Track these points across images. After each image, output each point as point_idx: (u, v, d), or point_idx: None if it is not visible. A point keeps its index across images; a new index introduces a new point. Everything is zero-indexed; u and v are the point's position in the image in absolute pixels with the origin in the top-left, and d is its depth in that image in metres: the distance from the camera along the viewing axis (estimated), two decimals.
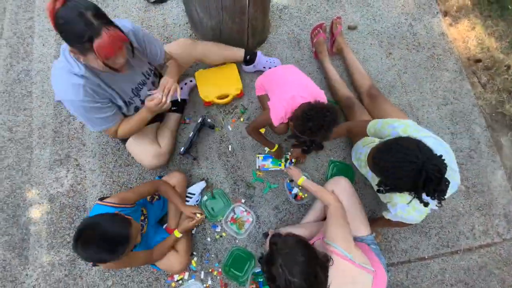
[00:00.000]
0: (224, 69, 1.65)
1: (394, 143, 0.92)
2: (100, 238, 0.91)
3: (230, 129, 1.66)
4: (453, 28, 1.92)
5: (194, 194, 1.51)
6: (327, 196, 1.19)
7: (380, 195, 1.17)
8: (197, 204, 1.54)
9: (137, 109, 1.27)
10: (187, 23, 1.83)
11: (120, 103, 1.18)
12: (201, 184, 1.54)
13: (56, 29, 0.89)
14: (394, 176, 0.89)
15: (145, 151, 1.39)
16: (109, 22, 0.92)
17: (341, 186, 1.35)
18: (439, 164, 0.84)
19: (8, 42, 1.83)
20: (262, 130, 1.58)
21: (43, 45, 1.83)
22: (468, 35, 1.91)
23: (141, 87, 1.25)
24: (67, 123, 1.68)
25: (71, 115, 1.69)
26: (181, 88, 1.61)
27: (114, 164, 1.61)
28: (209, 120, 1.64)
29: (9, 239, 1.53)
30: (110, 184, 1.59)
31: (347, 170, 1.59)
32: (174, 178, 1.41)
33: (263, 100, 1.49)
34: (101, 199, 1.14)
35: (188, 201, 1.50)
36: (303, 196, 1.55)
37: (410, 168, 0.84)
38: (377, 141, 1.40)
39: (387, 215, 1.20)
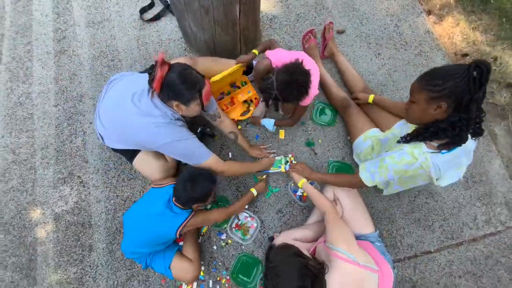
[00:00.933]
0: (231, 74, 1.64)
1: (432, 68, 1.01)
2: (200, 176, 1.21)
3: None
4: (438, 25, 1.98)
5: None
6: (323, 202, 1.23)
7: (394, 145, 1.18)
8: None
9: None
10: (181, 38, 1.89)
11: None
12: None
13: (168, 90, 1.13)
14: (447, 79, 0.93)
15: (152, 166, 1.42)
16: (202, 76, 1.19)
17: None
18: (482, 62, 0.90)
19: (7, 67, 1.88)
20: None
21: (43, 67, 1.88)
22: (453, 31, 1.97)
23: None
24: (69, 142, 1.71)
25: (72, 134, 1.73)
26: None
27: (117, 178, 1.64)
28: (208, 129, 1.67)
29: (16, 260, 1.53)
30: (114, 199, 1.60)
31: (347, 170, 1.62)
32: None
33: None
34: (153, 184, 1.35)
35: None
36: None
37: (459, 67, 0.92)
38: (380, 134, 1.44)
39: (364, 170, 1.18)
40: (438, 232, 1.56)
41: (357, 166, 1.61)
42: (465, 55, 1.93)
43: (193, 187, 1.17)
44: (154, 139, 1.20)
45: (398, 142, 1.12)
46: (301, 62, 1.25)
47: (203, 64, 1.54)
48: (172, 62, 1.54)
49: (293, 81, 1.21)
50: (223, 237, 1.53)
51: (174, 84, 1.11)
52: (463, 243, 1.55)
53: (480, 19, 2.04)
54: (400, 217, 1.58)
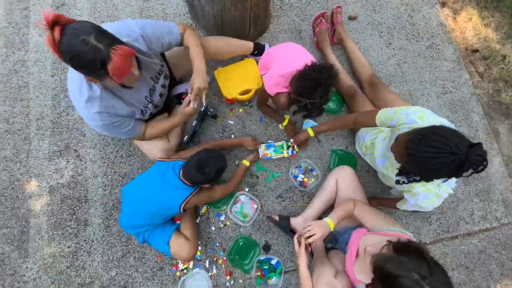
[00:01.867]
0: (243, 65, 1.65)
1: (429, 132, 0.85)
2: (213, 159, 1.19)
3: (232, 122, 1.65)
4: (451, 18, 1.94)
5: None
6: (346, 206, 1.23)
7: (397, 185, 1.15)
8: None
9: (151, 114, 1.32)
10: (187, 13, 1.81)
11: (138, 115, 1.22)
12: None
13: (66, 62, 0.88)
14: (432, 167, 0.83)
15: (154, 145, 1.37)
16: (114, 41, 0.89)
17: (343, 174, 1.38)
18: (482, 154, 0.80)
19: (3, 32, 1.79)
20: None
21: (40, 35, 1.79)
22: (466, 25, 1.94)
23: (152, 92, 1.25)
24: (65, 114, 1.65)
25: (70, 106, 1.66)
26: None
27: (116, 154, 1.59)
28: (211, 109, 1.63)
29: (7, 232, 1.50)
30: (112, 175, 1.57)
31: (350, 159, 1.61)
32: None
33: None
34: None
35: None
36: (310, 182, 1.55)
37: (452, 159, 0.80)
38: (383, 128, 1.41)
39: (402, 206, 1.21)
40: (434, 225, 1.57)
41: (360, 157, 1.60)
42: (476, 51, 1.90)
43: (208, 170, 1.17)
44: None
45: (398, 183, 1.09)
46: (307, 66, 1.18)
47: (215, 44, 1.45)
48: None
49: (319, 83, 1.13)
50: (222, 218, 1.51)
51: (68, 56, 0.85)
52: (458, 236, 1.57)
53: (492, 15, 2.00)
54: None
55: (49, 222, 1.51)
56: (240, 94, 1.60)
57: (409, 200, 1.12)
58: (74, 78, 1.05)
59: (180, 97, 1.52)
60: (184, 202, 1.20)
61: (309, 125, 1.54)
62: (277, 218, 1.40)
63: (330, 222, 1.16)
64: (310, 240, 1.10)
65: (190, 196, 1.21)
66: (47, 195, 1.54)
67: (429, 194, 1.05)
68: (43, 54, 1.75)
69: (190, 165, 1.19)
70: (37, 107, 1.66)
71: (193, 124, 1.49)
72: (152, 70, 1.22)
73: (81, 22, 0.87)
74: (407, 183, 1.03)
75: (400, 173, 1.03)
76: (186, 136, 1.47)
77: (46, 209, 1.53)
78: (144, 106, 1.23)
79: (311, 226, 1.13)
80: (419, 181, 0.98)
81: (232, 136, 1.63)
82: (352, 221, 1.28)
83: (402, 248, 0.82)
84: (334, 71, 1.15)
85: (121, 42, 0.92)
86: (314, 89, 1.13)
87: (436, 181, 1.01)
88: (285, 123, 1.55)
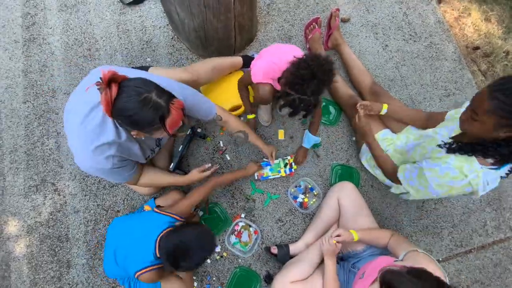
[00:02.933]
0: (231, 78, 1.52)
1: None
2: (196, 248, 0.97)
3: (222, 144, 1.53)
4: (449, 15, 1.83)
5: None
6: (381, 233, 1.12)
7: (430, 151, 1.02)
8: None
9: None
10: (167, 24, 1.68)
11: (143, 160, 1.13)
12: None
13: (120, 119, 0.86)
14: None
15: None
16: (170, 95, 0.88)
17: (346, 190, 1.27)
18: None
19: None
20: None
21: (10, 58, 1.65)
22: (464, 21, 1.83)
23: (161, 138, 1.20)
24: (40, 144, 1.51)
25: (44, 135, 1.53)
26: None
27: (97, 186, 1.46)
28: (199, 129, 1.51)
29: None
30: (94, 209, 1.44)
31: (351, 173, 1.50)
32: (171, 199, 1.28)
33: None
34: (157, 207, 1.16)
35: None
36: (311, 203, 1.44)
37: None
38: (392, 137, 1.30)
39: (403, 172, 1.08)
40: (447, 240, 1.47)
41: (363, 170, 1.49)
42: (477, 48, 1.80)
43: (184, 265, 0.97)
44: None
45: (439, 146, 0.98)
46: (305, 55, 1.07)
47: (205, 73, 1.36)
48: (151, 71, 1.28)
49: (316, 75, 1.00)
50: (218, 249, 1.39)
51: (128, 113, 0.83)
52: (472, 251, 1.47)
53: (491, 9, 1.90)
54: (407, 224, 1.47)
55: (29, 265, 1.38)
56: (230, 111, 1.47)
57: (424, 164, 0.98)
58: (84, 122, 0.93)
59: None
60: (140, 272, 1.00)
61: (310, 141, 1.43)
62: (275, 251, 1.29)
63: (354, 232, 1.11)
64: (337, 238, 1.08)
65: (147, 268, 1.00)
66: (25, 235, 1.41)
67: (452, 171, 0.89)
68: (14, 79, 1.61)
69: (167, 245, 0.97)
70: (9, 138, 1.53)
71: (179, 149, 1.37)
72: None
73: (138, 79, 0.85)
74: (449, 151, 0.92)
75: (454, 142, 0.92)
76: (172, 164, 1.34)
77: (26, 251, 1.40)
78: (151, 150, 1.16)
79: (337, 231, 1.11)
80: (468, 153, 0.87)
81: (228, 157, 1.51)
82: (362, 244, 1.16)
83: (418, 274, 0.71)
84: (334, 68, 1.04)
85: (173, 95, 0.90)
86: (308, 81, 1.00)
87: (476, 164, 0.88)
88: (251, 116, 1.45)
